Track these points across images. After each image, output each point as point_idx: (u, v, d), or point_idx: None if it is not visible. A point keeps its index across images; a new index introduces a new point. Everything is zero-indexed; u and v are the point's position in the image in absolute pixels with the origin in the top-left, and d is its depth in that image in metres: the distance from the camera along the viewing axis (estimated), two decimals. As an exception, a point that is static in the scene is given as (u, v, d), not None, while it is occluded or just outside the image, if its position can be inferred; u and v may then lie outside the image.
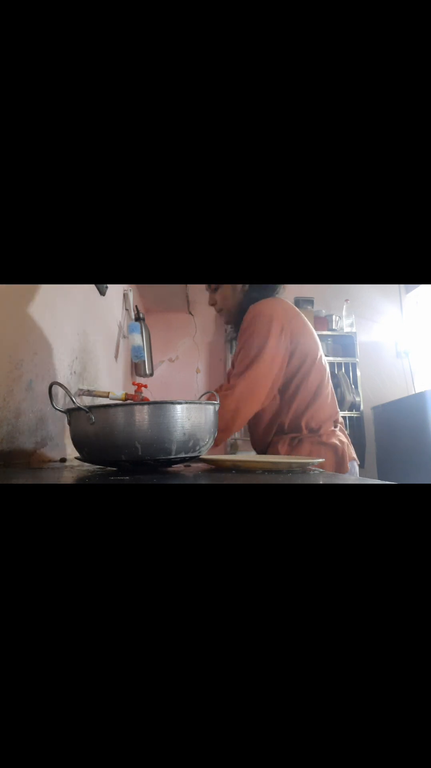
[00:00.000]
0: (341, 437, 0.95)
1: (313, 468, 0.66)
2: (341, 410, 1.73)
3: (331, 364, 2.60)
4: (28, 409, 0.74)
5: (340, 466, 0.91)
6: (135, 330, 1.79)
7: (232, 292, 1.03)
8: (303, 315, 1.02)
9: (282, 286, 1.03)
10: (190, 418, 0.52)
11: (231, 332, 1.14)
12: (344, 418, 2.41)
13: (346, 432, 1.02)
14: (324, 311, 2.75)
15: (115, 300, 1.66)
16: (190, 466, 0.71)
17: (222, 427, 0.87)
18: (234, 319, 1.07)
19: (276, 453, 0.94)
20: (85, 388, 1.08)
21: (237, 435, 2.36)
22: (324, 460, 0.84)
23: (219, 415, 0.84)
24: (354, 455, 0.95)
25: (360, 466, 1.03)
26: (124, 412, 0.49)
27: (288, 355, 0.94)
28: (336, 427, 0.97)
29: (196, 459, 0.63)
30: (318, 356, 0.98)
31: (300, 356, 0.95)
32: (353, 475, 0.92)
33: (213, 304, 1.07)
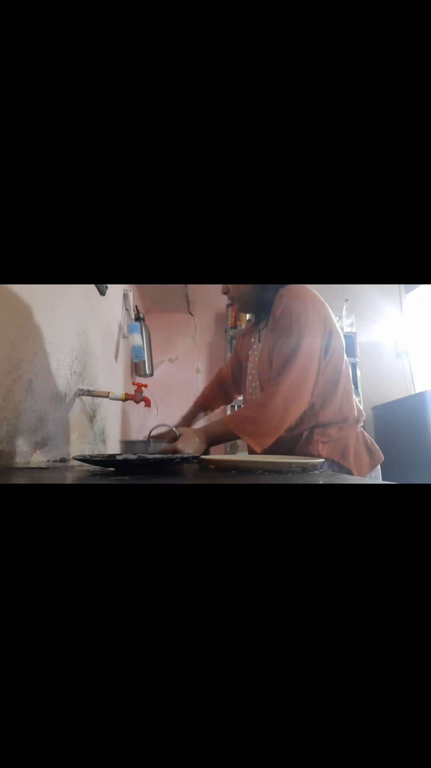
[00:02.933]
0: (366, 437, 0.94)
1: (313, 468, 0.66)
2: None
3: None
4: (28, 409, 0.74)
5: (372, 454, 0.89)
6: (135, 330, 1.79)
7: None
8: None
9: None
10: None
11: (253, 326, 1.07)
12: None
13: None
14: (324, 311, 2.74)
15: (115, 300, 1.65)
16: (190, 466, 0.71)
17: (270, 431, 0.81)
18: (251, 309, 1.02)
19: (307, 450, 0.89)
20: (85, 388, 1.08)
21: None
22: (323, 459, 0.83)
23: (264, 418, 0.80)
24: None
25: None
26: None
27: (326, 344, 0.88)
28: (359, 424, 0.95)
29: (196, 459, 0.63)
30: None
31: (337, 345, 0.89)
32: (378, 475, 0.91)
33: (225, 292, 1.01)
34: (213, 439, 0.86)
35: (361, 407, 0.95)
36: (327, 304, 0.93)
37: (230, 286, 1.00)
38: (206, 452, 0.86)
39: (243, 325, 2.65)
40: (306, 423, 0.90)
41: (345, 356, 0.94)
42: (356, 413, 0.91)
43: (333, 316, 0.92)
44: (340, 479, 0.47)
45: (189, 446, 0.81)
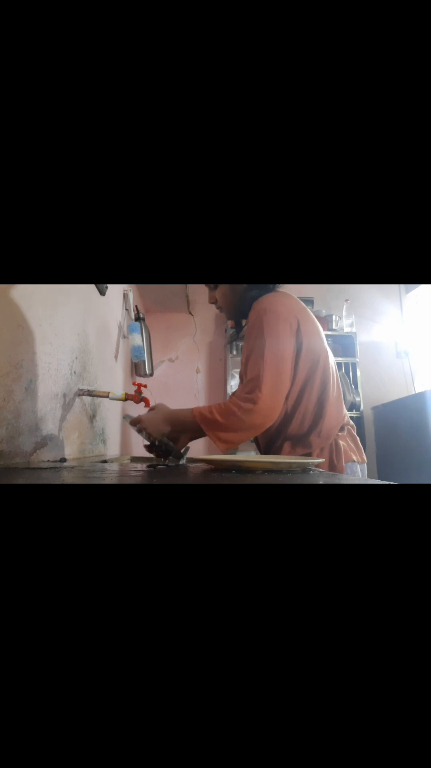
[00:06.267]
0: (339, 440, 0.92)
1: (314, 468, 0.66)
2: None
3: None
4: (28, 409, 0.74)
5: (334, 467, 0.89)
6: (135, 330, 1.79)
7: (231, 289, 0.99)
8: (310, 312, 0.96)
9: None
10: None
11: (233, 334, 1.11)
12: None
13: (355, 431, 0.97)
14: (324, 311, 2.75)
15: (115, 300, 1.65)
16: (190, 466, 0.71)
17: (236, 440, 0.84)
18: (237, 316, 1.04)
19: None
20: (85, 388, 1.08)
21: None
22: (324, 460, 0.83)
23: (239, 427, 0.82)
24: (355, 458, 0.92)
25: None
26: None
27: (295, 355, 0.87)
28: (343, 431, 0.93)
29: (196, 459, 0.63)
30: (328, 359, 0.93)
31: (307, 357, 0.88)
32: (353, 475, 0.90)
33: (213, 302, 1.03)
34: (178, 424, 0.87)
35: (343, 418, 0.93)
36: (302, 314, 0.92)
37: (217, 295, 1.02)
38: (172, 438, 0.88)
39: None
40: (280, 435, 0.92)
41: (329, 368, 0.92)
42: (328, 427, 0.90)
43: (309, 328, 0.90)
44: (340, 479, 0.47)
45: (150, 423, 0.85)
